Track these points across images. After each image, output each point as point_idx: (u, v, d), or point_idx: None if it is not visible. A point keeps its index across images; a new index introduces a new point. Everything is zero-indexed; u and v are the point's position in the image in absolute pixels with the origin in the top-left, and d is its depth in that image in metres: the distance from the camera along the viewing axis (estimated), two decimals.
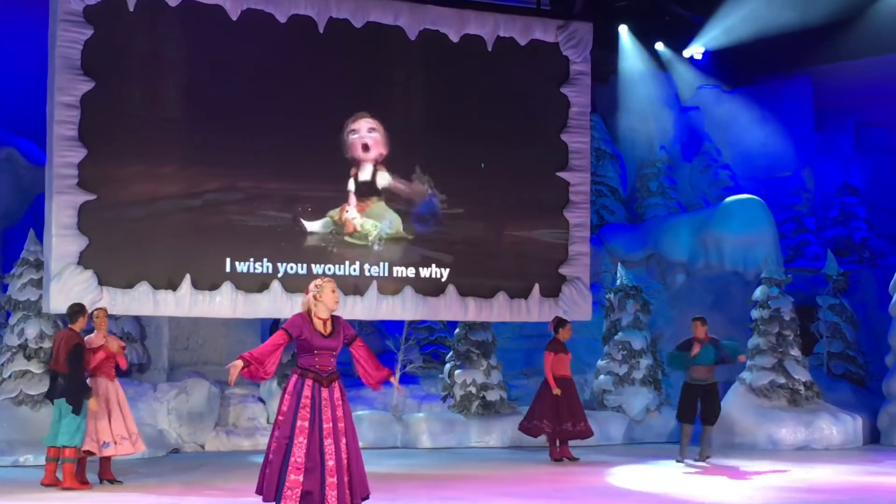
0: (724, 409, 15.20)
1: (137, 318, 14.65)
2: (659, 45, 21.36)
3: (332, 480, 7.55)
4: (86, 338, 10.88)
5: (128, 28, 12.86)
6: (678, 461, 13.01)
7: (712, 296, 17.99)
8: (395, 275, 14.07)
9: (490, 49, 14.76)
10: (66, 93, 12.48)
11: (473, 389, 15.26)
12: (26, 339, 13.08)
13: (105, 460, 10.90)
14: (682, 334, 14.26)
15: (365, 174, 14.06)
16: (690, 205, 20.82)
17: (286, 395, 7.70)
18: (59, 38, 12.48)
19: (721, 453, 14.08)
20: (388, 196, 14.17)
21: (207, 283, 13.06)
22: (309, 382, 7.69)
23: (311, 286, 7.89)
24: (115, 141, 12.70)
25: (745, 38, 19.83)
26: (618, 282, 16.65)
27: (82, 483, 10.57)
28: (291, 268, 13.52)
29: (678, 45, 21.31)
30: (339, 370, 7.92)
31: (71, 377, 10.49)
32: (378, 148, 14.10)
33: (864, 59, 20.52)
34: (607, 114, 21.21)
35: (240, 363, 7.58)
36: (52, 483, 10.58)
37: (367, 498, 7.90)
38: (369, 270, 13.94)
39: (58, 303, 12.27)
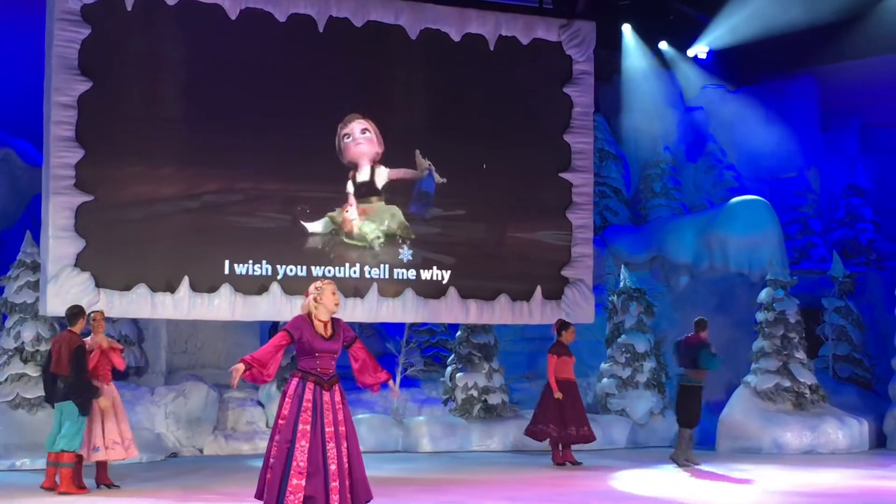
0: (729, 412, 15.19)
1: (135, 321, 14.57)
2: (663, 45, 21.28)
3: (334, 485, 7.51)
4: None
5: (125, 27, 12.80)
6: (690, 465, 12.90)
7: (717, 298, 17.91)
8: (395, 277, 13.98)
9: (492, 48, 14.68)
10: (63, 93, 12.42)
11: (475, 393, 15.19)
12: (23, 342, 13.05)
13: (102, 465, 10.84)
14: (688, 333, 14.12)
15: (363, 175, 13.97)
16: (695, 206, 20.77)
17: (287, 399, 7.65)
18: (56, 37, 12.43)
19: (726, 457, 14.03)
20: (389, 193, 14.04)
21: (206, 285, 12.98)
22: (310, 385, 7.65)
23: (311, 288, 7.86)
24: (112, 141, 12.65)
25: (750, 37, 19.75)
26: (621, 284, 16.61)
27: (79, 488, 10.50)
28: (291, 270, 13.42)
29: (682, 44, 21.24)
30: (339, 373, 7.88)
31: (77, 378, 10.41)
32: (373, 147, 14.00)
33: (870, 58, 20.45)
34: (610, 114, 21.16)
35: (241, 366, 7.54)
36: (51, 487, 10.53)
37: (369, 501, 7.85)
38: (370, 272, 13.84)
39: (55, 305, 12.21)
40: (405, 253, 14.05)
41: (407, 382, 15.64)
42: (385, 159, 14.05)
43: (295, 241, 13.51)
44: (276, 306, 13.27)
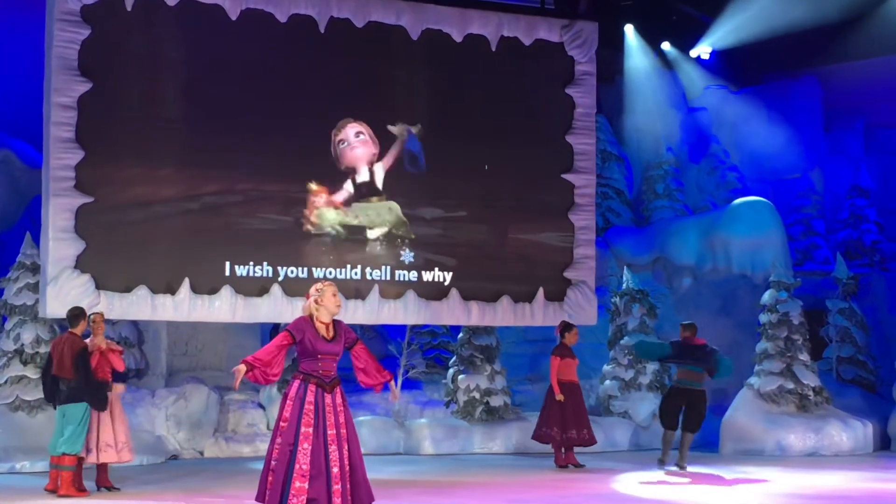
0: (732, 414, 15.12)
1: (135, 323, 14.53)
2: (665, 45, 21.25)
3: (337, 488, 7.50)
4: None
5: (125, 28, 12.74)
6: (661, 466, 12.90)
7: (720, 300, 17.87)
8: (397, 278, 13.93)
9: (494, 49, 14.62)
10: (63, 94, 12.37)
11: (477, 395, 15.15)
12: (22, 344, 13.00)
13: (102, 467, 10.81)
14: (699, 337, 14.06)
15: (363, 176, 13.92)
16: (697, 207, 20.75)
17: (288, 401, 7.63)
18: (55, 38, 12.38)
19: (729, 460, 13.99)
20: (389, 191, 13.97)
21: (206, 286, 12.93)
22: (312, 388, 7.63)
23: (312, 290, 7.84)
24: (112, 143, 12.59)
25: (753, 37, 19.70)
26: (624, 285, 16.56)
27: (79, 490, 10.47)
28: (292, 271, 13.37)
29: (685, 44, 21.19)
30: (340, 375, 7.86)
31: (84, 379, 10.37)
32: (369, 148, 13.95)
33: (874, 59, 20.40)
34: (613, 115, 21.13)
35: (243, 367, 7.51)
36: (55, 489, 10.50)
37: None
38: (371, 274, 13.79)
39: (54, 307, 12.17)
40: (406, 255, 14.00)
41: (408, 384, 15.59)
42: (382, 158, 14.00)
43: (296, 243, 13.46)
44: (277, 308, 13.22)
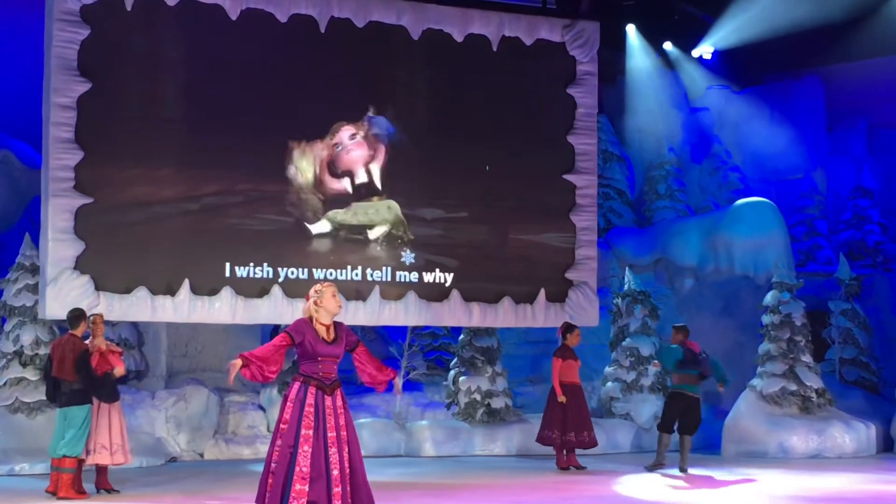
0: (735, 416, 15.09)
1: (135, 324, 14.50)
2: (667, 45, 21.19)
3: (337, 490, 7.45)
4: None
5: (125, 28, 12.71)
6: (651, 469, 12.86)
7: (722, 301, 17.82)
8: (397, 280, 13.89)
9: (495, 49, 14.59)
10: (63, 94, 12.34)
11: (478, 397, 15.11)
12: (22, 346, 12.97)
13: (102, 469, 10.80)
14: (691, 339, 14.02)
15: (361, 177, 13.88)
16: (700, 208, 20.70)
17: (288, 403, 7.59)
18: (55, 37, 12.35)
19: (731, 462, 13.97)
20: (389, 191, 13.92)
21: (206, 288, 12.90)
22: (312, 390, 7.58)
23: (311, 292, 7.79)
24: (112, 143, 12.56)
25: (756, 37, 19.65)
26: (625, 286, 16.52)
27: (79, 493, 10.45)
28: (292, 272, 13.33)
29: (687, 44, 21.15)
30: (340, 377, 7.81)
31: (88, 381, 10.36)
32: (365, 150, 13.89)
33: (877, 58, 20.34)
34: (614, 115, 21.08)
35: (239, 362, 7.47)
36: (55, 491, 10.47)
37: None
38: (371, 275, 13.75)
39: (54, 309, 12.14)
40: (407, 256, 13.96)
41: (409, 386, 15.55)
42: (383, 159, 13.94)
43: (296, 244, 13.42)
44: (278, 309, 13.18)
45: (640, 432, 15.56)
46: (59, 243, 12.25)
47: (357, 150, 13.85)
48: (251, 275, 13.13)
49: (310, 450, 7.44)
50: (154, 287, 12.62)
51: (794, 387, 15.17)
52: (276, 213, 13.31)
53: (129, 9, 12.65)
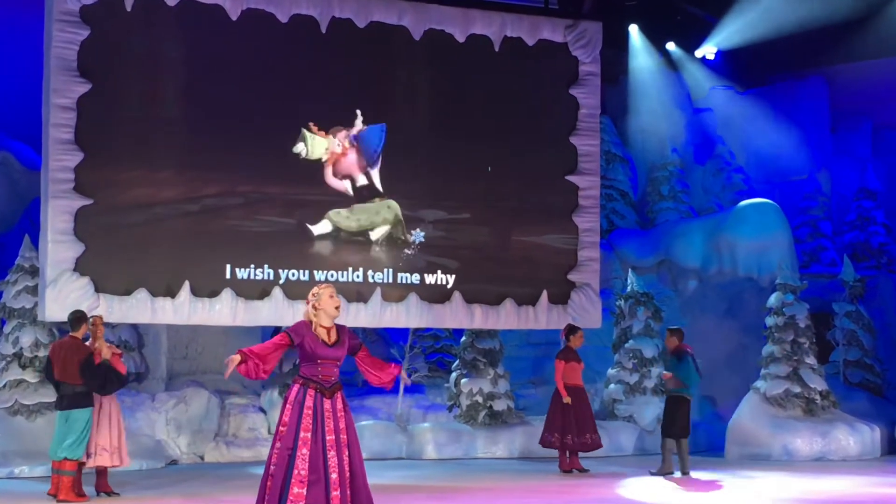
0: (738, 418, 15.04)
1: (135, 326, 14.46)
2: (670, 45, 21.14)
3: (335, 494, 7.40)
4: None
5: (125, 28, 12.68)
6: (666, 475, 12.76)
7: (725, 302, 17.77)
8: (399, 281, 13.85)
9: (497, 49, 14.55)
10: (62, 95, 12.31)
11: (480, 399, 15.07)
12: (21, 348, 12.93)
13: (102, 472, 10.78)
14: (694, 342, 14.01)
15: (361, 180, 13.84)
16: (703, 209, 20.67)
17: (287, 406, 7.55)
18: (54, 38, 12.33)
19: (735, 464, 13.93)
20: (389, 191, 13.87)
21: (207, 290, 12.86)
22: (311, 392, 7.53)
23: (309, 296, 7.73)
24: (112, 144, 12.54)
25: (759, 37, 19.59)
26: (628, 288, 16.47)
27: (78, 495, 10.43)
28: (293, 274, 13.28)
29: (690, 44, 21.10)
30: (342, 380, 7.76)
31: (93, 381, 10.34)
32: (361, 156, 13.82)
33: (881, 59, 20.28)
34: (617, 115, 21.05)
35: (237, 357, 7.42)
36: (56, 493, 10.44)
37: None
38: (373, 277, 13.70)
39: (53, 310, 12.11)
40: (408, 257, 13.89)
41: (411, 389, 15.49)
42: (383, 161, 13.88)
43: (297, 245, 13.39)
44: (279, 311, 13.14)
45: (643, 434, 15.51)
46: (58, 245, 12.22)
47: (354, 156, 13.79)
48: (252, 276, 13.08)
49: (308, 452, 7.40)
50: (154, 289, 12.59)
51: (797, 389, 15.12)
52: (276, 215, 13.28)
53: (128, 9, 12.62)
